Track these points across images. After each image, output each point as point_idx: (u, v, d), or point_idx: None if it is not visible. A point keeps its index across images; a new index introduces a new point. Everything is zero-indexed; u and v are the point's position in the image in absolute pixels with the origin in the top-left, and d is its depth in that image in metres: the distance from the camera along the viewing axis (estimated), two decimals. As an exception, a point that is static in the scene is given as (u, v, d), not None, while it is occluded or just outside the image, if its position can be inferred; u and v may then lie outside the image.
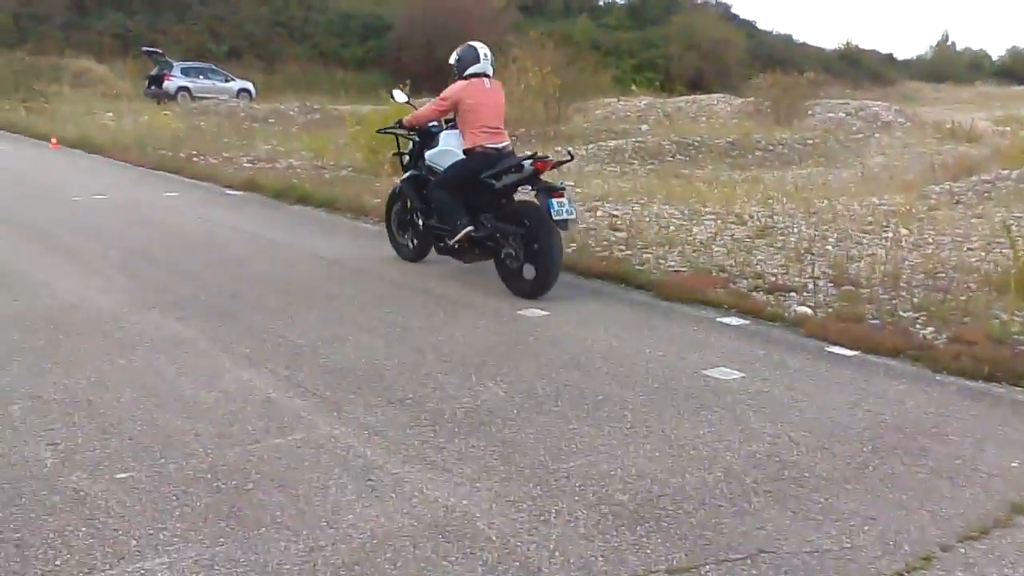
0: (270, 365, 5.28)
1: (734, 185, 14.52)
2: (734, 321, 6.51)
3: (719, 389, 4.99)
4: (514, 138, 25.14)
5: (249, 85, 40.96)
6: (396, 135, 8.63)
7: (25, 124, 22.99)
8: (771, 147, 21.65)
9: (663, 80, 49.73)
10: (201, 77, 39.32)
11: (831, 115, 28.19)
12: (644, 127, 25.35)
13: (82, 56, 44.15)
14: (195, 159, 16.77)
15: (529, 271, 7.14)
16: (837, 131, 25.03)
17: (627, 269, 7.93)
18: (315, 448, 4.09)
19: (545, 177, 7.32)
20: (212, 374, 5.11)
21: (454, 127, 7.87)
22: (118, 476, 3.77)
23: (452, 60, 7.85)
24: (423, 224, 8.09)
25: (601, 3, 65.91)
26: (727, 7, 67.75)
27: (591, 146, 20.95)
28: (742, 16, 76.78)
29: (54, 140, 19.29)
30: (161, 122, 24.41)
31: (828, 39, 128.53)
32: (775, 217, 10.36)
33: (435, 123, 8.14)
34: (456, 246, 7.68)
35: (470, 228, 7.45)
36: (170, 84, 37.93)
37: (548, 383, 5.06)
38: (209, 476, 3.77)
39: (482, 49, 7.78)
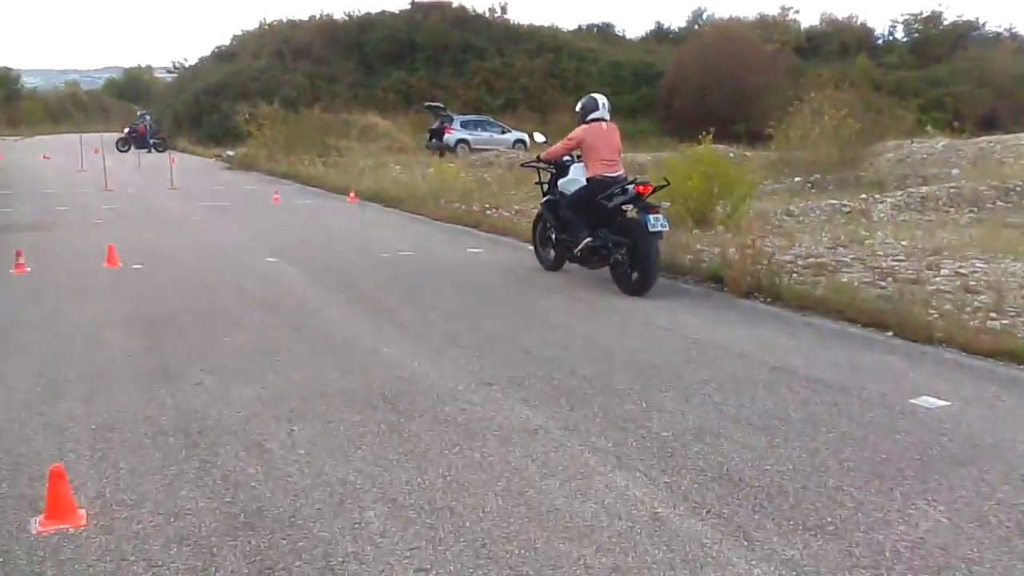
0: (641, 466, 4.51)
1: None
2: None
3: None
4: (808, 184, 23.68)
5: (524, 136, 41.47)
6: (537, 168, 10.98)
7: (324, 178, 23.96)
8: (1114, 192, 19.04)
9: (951, 120, 46.21)
10: (479, 129, 40.22)
11: None
12: (955, 171, 23.14)
13: (368, 112, 46.39)
14: (488, 212, 16.62)
15: (635, 274, 9.09)
16: None
17: (1020, 345, 6.65)
18: (743, 598, 3.23)
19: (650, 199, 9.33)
20: (579, 475, 4.39)
21: (581, 161, 9.96)
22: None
23: (577, 108, 9.99)
24: (556, 238, 10.27)
25: (880, 42, 62.47)
26: (1024, 39, 62.38)
27: (899, 193, 19.20)
28: (1042, 48, 70.34)
29: (352, 194, 19.81)
30: (448, 174, 24.86)
31: None
32: None
33: (568, 157, 10.31)
34: (579, 254, 9.74)
35: (589, 239, 9.53)
36: (450, 137, 39.02)
37: (999, 507, 3.98)
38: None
39: (601, 99, 9.94)
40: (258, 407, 5.47)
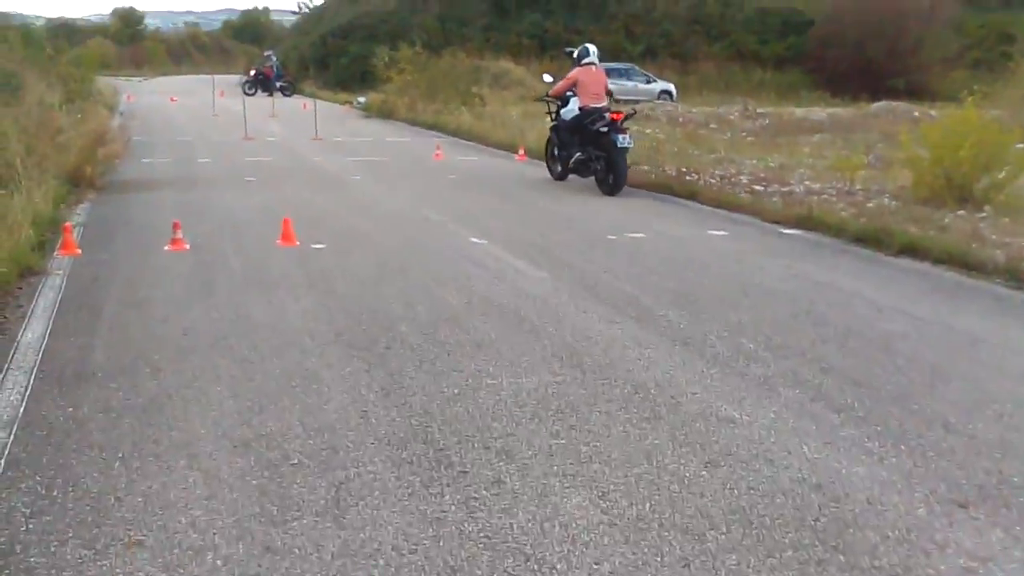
0: None
1: None
2: None
3: None
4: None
5: (671, 86, 38.67)
6: (547, 102, 13.92)
7: (477, 130, 21.64)
8: None
9: None
10: (622, 78, 37.38)
11: None
12: None
13: (501, 58, 43.89)
14: (687, 177, 14.09)
15: (609, 178, 12.27)
16: None
17: None
18: None
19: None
20: None
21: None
22: None
23: (574, 54, 13.10)
24: (559, 154, 13.18)
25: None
26: None
27: None
28: None
29: (522, 151, 17.47)
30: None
31: None
32: None
33: (570, 92, 12.81)
34: (572, 166, 12.73)
35: (579, 154, 12.56)
36: (591, 86, 36.34)
37: None
38: None
39: (592, 48, 13.06)
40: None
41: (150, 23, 79.11)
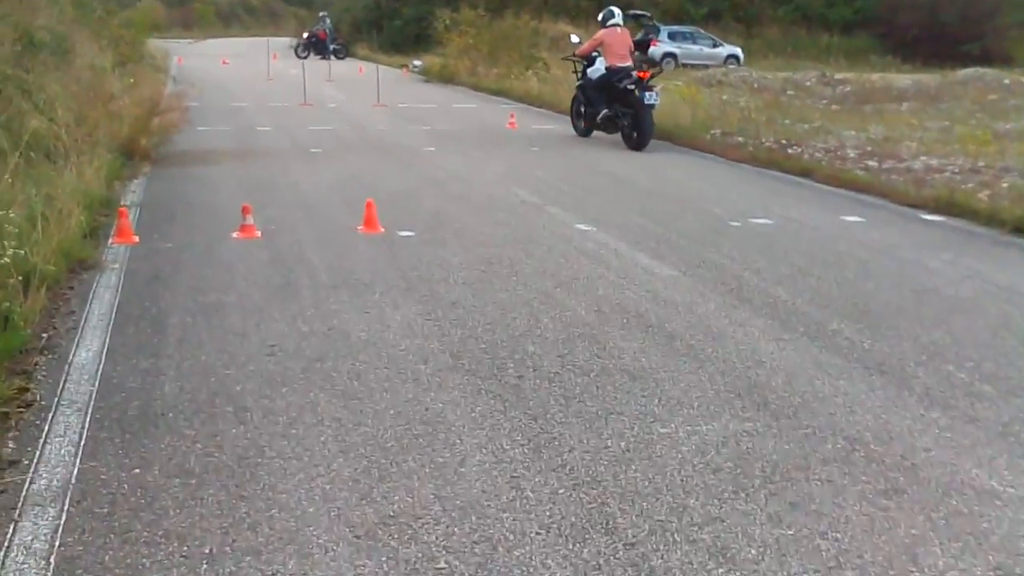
0: None
1: None
2: None
3: None
4: None
5: (737, 50, 37.03)
6: (573, 61, 14.56)
7: (547, 96, 20.40)
8: None
9: None
10: (689, 42, 35.89)
11: None
12: None
13: (559, 20, 42.31)
14: (789, 150, 12.84)
15: (635, 135, 12.83)
16: None
17: None
18: None
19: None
20: None
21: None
22: None
23: (599, 18, 13.83)
24: (585, 111, 13.80)
25: None
26: None
27: None
28: None
29: (600, 120, 16.24)
30: (686, 94, 21.00)
31: None
32: None
33: (596, 52, 13.48)
34: (600, 122, 13.34)
35: (606, 111, 13.17)
36: (656, 50, 34.68)
37: None
38: None
39: (616, 11, 13.50)
40: None
41: (199, -16, 78.10)
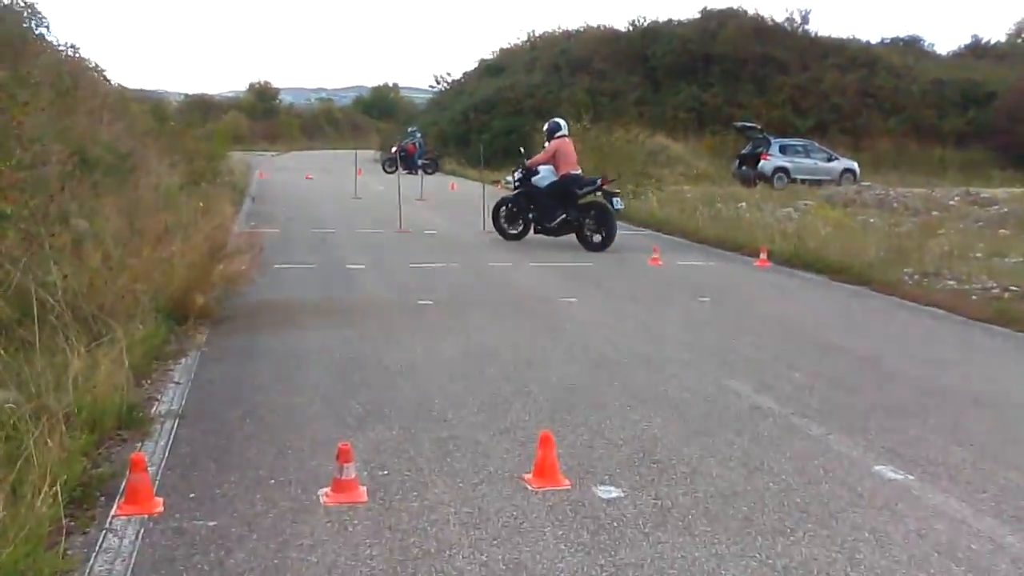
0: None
1: None
2: None
3: None
4: None
5: (854, 165, 34.13)
6: (513, 173, 15.98)
7: (675, 221, 17.48)
8: None
9: None
10: (800, 155, 33.03)
11: None
12: None
13: (656, 133, 39.75)
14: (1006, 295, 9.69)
15: (597, 237, 14.07)
16: None
17: None
18: None
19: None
20: None
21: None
22: None
23: (545, 129, 15.13)
24: (532, 217, 14.83)
25: None
26: None
27: None
28: None
29: (764, 254, 13.23)
30: (827, 217, 17.99)
31: None
32: None
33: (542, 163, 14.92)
34: (555, 226, 14.40)
35: (564, 215, 14.29)
36: (767, 164, 32.10)
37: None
38: None
39: (562, 122, 15.22)
40: None
41: (284, 99, 78.20)
